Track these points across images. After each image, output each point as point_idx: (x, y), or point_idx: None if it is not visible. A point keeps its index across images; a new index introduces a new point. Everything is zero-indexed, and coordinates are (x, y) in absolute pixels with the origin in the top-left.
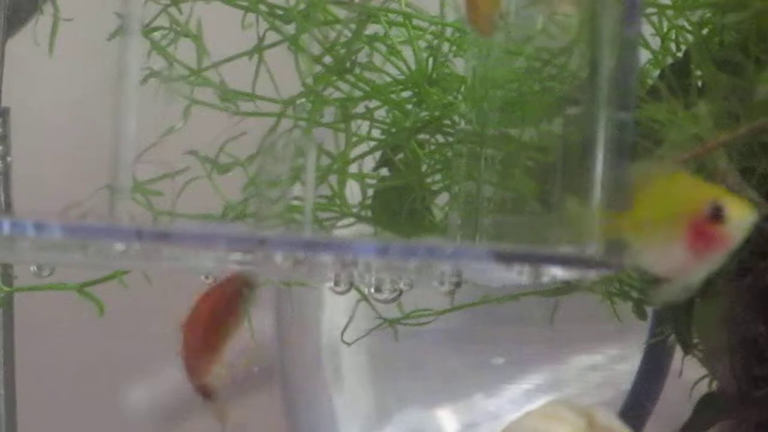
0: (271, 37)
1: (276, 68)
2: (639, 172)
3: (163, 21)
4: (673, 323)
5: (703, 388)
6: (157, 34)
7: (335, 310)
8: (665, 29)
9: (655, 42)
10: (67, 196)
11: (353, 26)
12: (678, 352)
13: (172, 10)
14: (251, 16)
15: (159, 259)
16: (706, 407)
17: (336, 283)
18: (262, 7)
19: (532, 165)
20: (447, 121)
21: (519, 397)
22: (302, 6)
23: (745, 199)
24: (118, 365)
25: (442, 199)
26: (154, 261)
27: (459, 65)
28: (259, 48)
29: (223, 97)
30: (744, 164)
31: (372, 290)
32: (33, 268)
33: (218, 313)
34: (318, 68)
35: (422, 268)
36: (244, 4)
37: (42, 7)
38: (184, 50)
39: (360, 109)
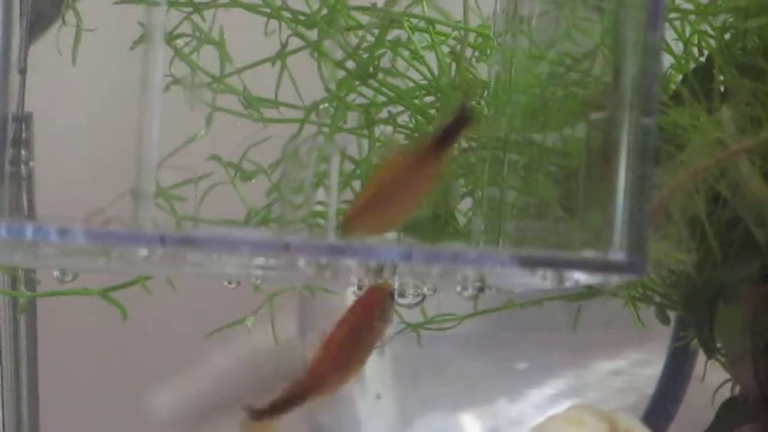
0: (294, 43)
1: (299, 74)
2: None
3: (186, 28)
4: (696, 328)
5: (725, 392)
6: (180, 42)
7: None
8: (688, 34)
9: (678, 47)
10: (90, 202)
11: (376, 31)
12: (701, 357)
13: (195, 17)
14: (274, 23)
15: (182, 265)
16: (729, 412)
17: (359, 288)
18: (285, 14)
19: (555, 170)
20: None
21: (542, 401)
22: (325, 12)
23: None
24: (142, 370)
25: (466, 204)
26: (178, 266)
27: (482, 70)
28: (282, 54)
29: (247, 104)
30: (767, 169)
31: (395, 295)
32: (56, 273)
33: (360, 328)
34: (341, 74)
35: (446, 273)
36: (267, 11)
37: (65, 15)
38: (208, 58)
39: (383, 114)
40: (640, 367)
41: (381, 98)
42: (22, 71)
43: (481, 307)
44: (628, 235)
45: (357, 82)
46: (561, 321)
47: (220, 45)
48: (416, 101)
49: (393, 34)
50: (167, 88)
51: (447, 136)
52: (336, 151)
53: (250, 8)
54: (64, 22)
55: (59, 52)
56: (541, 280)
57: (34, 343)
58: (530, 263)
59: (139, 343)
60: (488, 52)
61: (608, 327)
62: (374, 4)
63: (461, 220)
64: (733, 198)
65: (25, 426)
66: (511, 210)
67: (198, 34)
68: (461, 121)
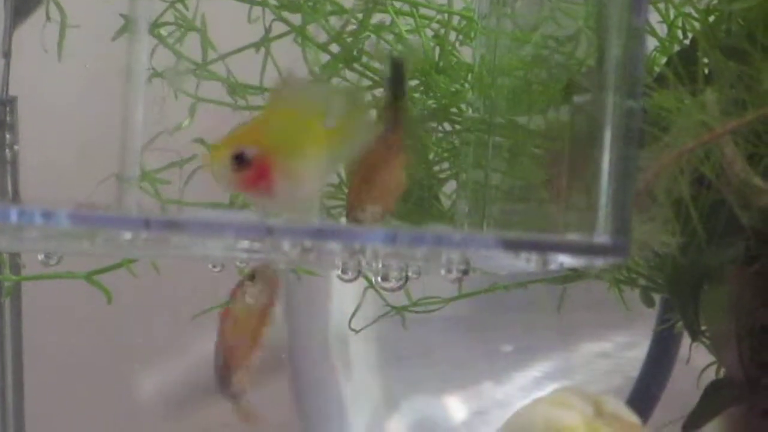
0: (279, 28)
1: (283, 60)
2: None
3: (169, 17)
4: (681, 310)
5: (710, 375)
6: (163, 30)
7: (343, 298)
8: (672, 17)
9: (662, 29)
10: (75, 185)
11: (360, 15)
12: (686, 340)
13: (179, 5)
14: (257, 10)
15: (167, 248)
16: (714, 394)
17: (344, 271)
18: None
19: (539, 153)
20: (454, 110)
21: (528, 384)
22: None
23: None
24: (127, 354)
25: (450, 186)
26: (163, 250)
27: (466, 53)
28: (267, 39)
29: (231, 91)
30: (751, 151)
31: (380, 278)
32: (41, 256)
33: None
34: (325, 57)
35: (430, 256)
36: None
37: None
38: (192, 45)
39: (367, 98)
40: (625, 350)
41: (365, 82)
42: (6, 55)
43: (465, 290)
44: (613, 218)
45: (341, 66)
46: (546, 304)
47: (203, 32)
48: None
49: (377, 17)
50: (150, 79)
51: (396, 90)
52: None
53: None
54: (48, 18)
55: (43, 42)
56: (526, 262)
57: (18, 326)
58: (515, 246)
59: (124, 326)
60: (472, 35)
61: (594, 310)
62: None
63: (446, 202)
64: (718, 180)
65: (10, 409)
66: (496, 193)
67: (181, 21)
68: (398, 66)
